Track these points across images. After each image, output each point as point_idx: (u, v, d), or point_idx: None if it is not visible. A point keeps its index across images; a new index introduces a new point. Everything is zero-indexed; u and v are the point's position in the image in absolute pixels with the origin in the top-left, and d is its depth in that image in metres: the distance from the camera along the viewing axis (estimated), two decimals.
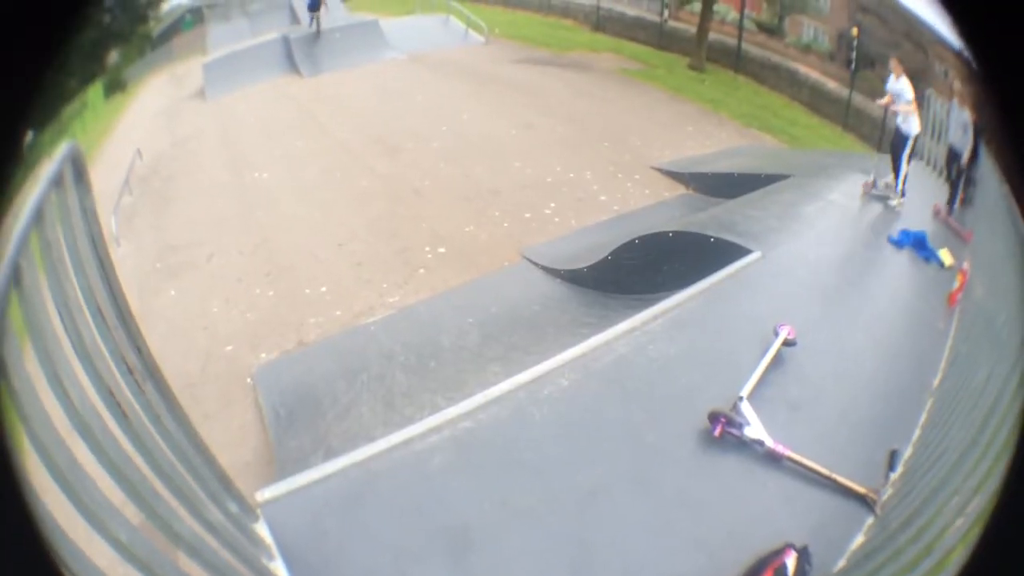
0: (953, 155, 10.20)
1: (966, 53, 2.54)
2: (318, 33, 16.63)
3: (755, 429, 5.60)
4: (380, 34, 16.87)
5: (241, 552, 4.24)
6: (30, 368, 3.14)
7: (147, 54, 13.91)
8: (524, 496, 5.17)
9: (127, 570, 3.22)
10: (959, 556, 3.59)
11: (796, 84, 14.52)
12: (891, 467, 5.59)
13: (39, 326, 3.31)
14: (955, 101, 10.24)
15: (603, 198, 11.39)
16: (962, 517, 3.90)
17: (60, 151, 3.80)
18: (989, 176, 8.02)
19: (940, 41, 9.43)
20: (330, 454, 5.65)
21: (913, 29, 9.14)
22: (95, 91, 11.22)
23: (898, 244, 8.27)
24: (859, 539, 5.14)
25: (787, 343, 6.47)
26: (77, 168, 3.96)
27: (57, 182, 3.71)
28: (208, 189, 12.12)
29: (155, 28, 14.55)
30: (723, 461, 5.56)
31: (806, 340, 6.53)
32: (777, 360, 6.34)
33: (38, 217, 3.43)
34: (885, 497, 5.35)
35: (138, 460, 3.71)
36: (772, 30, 15.41)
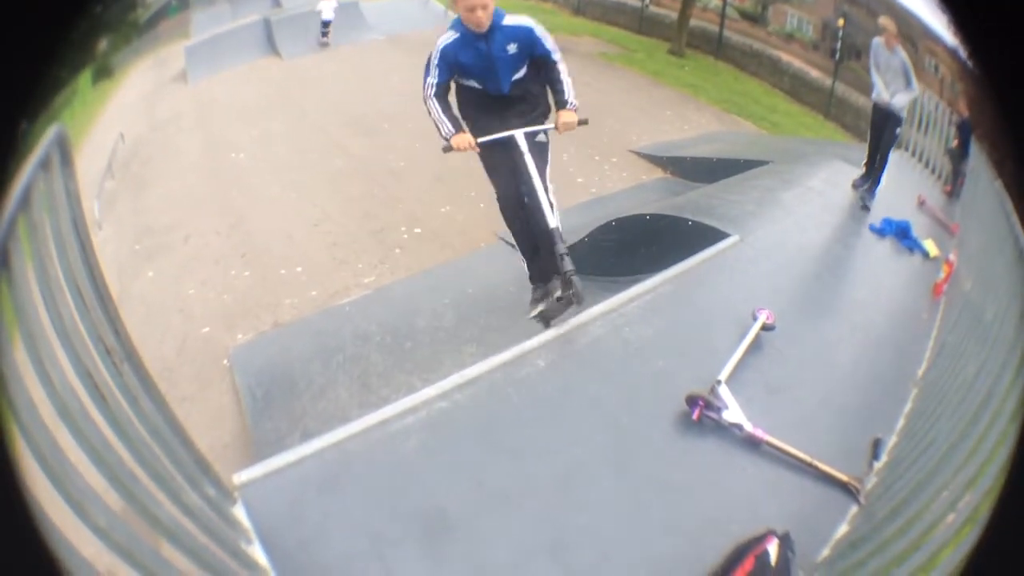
0: (884, 114, 9.43)
1: (961, 50, 2.51)
2: None
3: (734, 413, 5.56)
4: (360, 15, 16.78)
5: (219, 536, 4.21)
6: (18, 352, 3.17)
7: (134, 41, 13.88)
8: (500, 478, 5.14)
9: (112, 559, 3.18)
10: (951, 554, 3.56)
11: (778, 72, 14.52)
12: (875, 456, 5.57)
13: (25, 309, 3.32)
14: (881, 40, 9.28)
15: (580, 180, 11.35)
16: (953, 513, 3.88)
17: (48, 135, 3.76)
18: (979, 170, 7.99)
19: (932, 36, 9.27)
20: (306, 435, 5.59)
21: (903, 23, 9.05)
22: (84, 78, 11.18)
23: (880, 233, 8.24)
24: (843, 528, 5.12)
25: (766, 328, 6.42)
26: (63, 152, 3.96)
27: (44, 165, 3.70)
28: (187, 171, 12.10)
29: (143, 15, 14.50)
30: (701, 445, 5.53)
31: (785, 325, 6.49)
32: (755, 345, 6.29)
33: (26, 200, 3.43)
34: (869, 486, 5.33)
35: (116, 443, 3.69)
36: (755, 19, 15.40)
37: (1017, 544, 2.40)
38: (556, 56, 6.84)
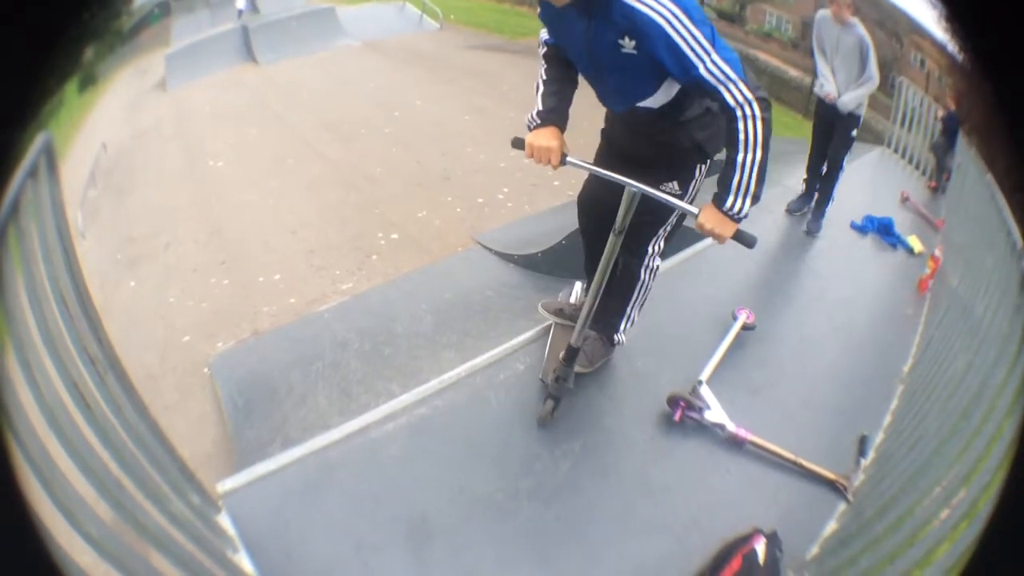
0: (831, 113, 7.77)
1: (951, 44, 2.49)
2: None
3: (716, 413, 5.54)
4: (336, 21, 16.75)
5: (206, 545, 4.20)
6: (10, 361, 3.20)
7: (117, 49, 13.84)
8: (483, 483, 5.12)
9: (106, 568, 3.21)
10: (948, 550, 3.54)
11: (756, 71, 14.35)
12: (861, 453, 5.55)
13: (15, 318, 3.36)
14: (828, 12, 7.38)
15: (557, 183, 11.26)
16: (947, 509, 3.87)
17: (35, 143, 3.74)
18: (966, 165, 7.97)
19: (919, 30, 9.09)
20: (288, 443, 5.53)
21: (887, 17, 8.92)
22: (71, 86, 11.14)
23: (861, 230, 8.17)
24: (832, 526, 5.11)
25: (746, 327, 6.42)
26: (50, 160, 3.95)
27: (32, 173, 3.68)
28: (167, 179, 12.05)
29: (127, 23, 14.46)
30: (684, 446, 5.52)
31: (765, 324, 6.50)
32: (736, 344, 6.29)
33: (15, 208, 3.43)
34: (857, 483, 5.31)
35: (103, 452, 3.70)
36: (732, 18, 15.38)
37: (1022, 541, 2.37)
38: (728, 93, 3.80)
